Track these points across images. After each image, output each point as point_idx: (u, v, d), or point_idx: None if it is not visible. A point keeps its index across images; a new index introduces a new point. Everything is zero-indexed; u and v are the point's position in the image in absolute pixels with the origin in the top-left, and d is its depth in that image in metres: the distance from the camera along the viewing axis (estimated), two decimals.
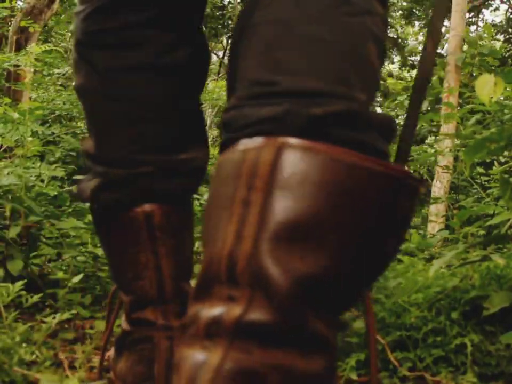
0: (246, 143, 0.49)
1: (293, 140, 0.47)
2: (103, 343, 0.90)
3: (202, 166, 0.84)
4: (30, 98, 5.33)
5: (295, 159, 0.47)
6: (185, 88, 0.81)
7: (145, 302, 0.80)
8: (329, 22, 0.54)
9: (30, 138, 1.94)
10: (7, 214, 1.59)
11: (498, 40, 10.87)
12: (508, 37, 11.14)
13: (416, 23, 13.67)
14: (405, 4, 13.40)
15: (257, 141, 0.48)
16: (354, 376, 1.01)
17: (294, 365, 0.44)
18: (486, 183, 3.70)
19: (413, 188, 0.50)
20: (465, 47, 4.62)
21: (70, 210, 1.91)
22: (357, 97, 0.52)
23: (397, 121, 7.23)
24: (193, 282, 0.87)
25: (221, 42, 11.38)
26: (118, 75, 0.78)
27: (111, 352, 0.90)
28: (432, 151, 4.17)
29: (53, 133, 3.82)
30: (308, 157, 0.47)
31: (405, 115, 0.68)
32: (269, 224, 0.46)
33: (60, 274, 1.37)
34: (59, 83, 6.24)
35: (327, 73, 0.53)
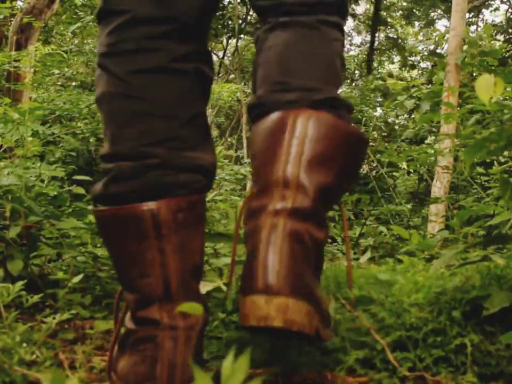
0: (278, 113, 0.88)
1: (307, 110, 0.87)
2: (111, 343, 0.90)
3: (210, 167, 0.91)
4: (30, 98, 5.33)
5: (309, 121, 0.86)
6: (193, 94, 0.92)
7: (151, 300, 0.82)
8: (316, 44, 0.95)
9: (30, 139, 1.94)
10: (7, 214, 1.59)
11: (498, 40, 10.87)
12: (508, 37, 11.14)
13: (416, 23, 13.67)
14: (405, 4, 13.39)
15: (286, 111, 0.88)
16: (353, 374, 1.01)
17: (315, 232, 0.84)
18: (486, 183, 3.70)
19: (366, 139, 0.94)
20: (465, 47, 4.62)
21: (70, 210, 1.91)
22: (334, 90, 0.94)
23: (397, 121, 7.22)
24: (202, 284, 0.95)
25: (221, 42, 11.38)
26: (134, 77, 0.87)
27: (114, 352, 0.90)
28: (432, 151, 4.17)
29: (53, 133, 3.82)
30: (317, 120, 0.87)
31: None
32: (304, 156, 0.84)
33: (60, 275, 1.37)
34: (59, 83, 6.24)
35: (318, 77, 0.93)
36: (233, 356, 0.52)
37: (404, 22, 13.85)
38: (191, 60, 0.91)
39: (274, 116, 0.88)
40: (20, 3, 6.80)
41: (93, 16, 6.39)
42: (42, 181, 2.04)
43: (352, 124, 0.94)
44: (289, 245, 0.79)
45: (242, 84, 11.27)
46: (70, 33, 7.34)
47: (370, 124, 5.98)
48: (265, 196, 0.84)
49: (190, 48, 0.91)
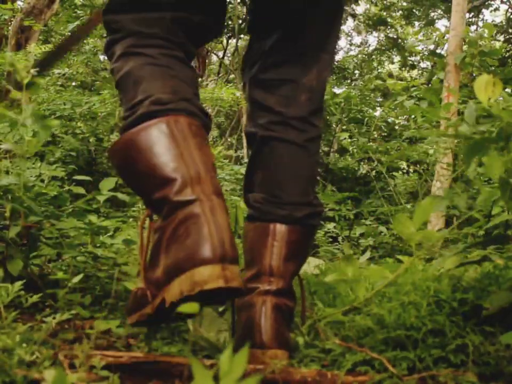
0: (266, 224, 1.27)
1: (286, 226, 1.26)
2: (142, 257, 1.05)
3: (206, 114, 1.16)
4: (30, 98, 5.33)
5: (286, 232, 1.26)
6: (193, 73, 1.21)
7: (185, 185, 1.00)
8: (303, 164, 1.30)
9: (31, 139, 1.94)
10: (7, 214, 1.59)
11: (498, 41, 10.87)
12: (508, 37, 11.14)
13: (416, 23, 13.66)
14: (405, 4, 13.39)
15: (270, 223, 1.28)
16: (353, 374, 1.02)
17: (289, 303, 1.20)
18: (485, 183, 3.70)
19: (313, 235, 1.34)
20: (465, 47, 4.62)
21: (70, 210, 1.91)
22: (311, 197, 1.29)
23: (397, 121, 7.22)
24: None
25: (221, 42, 11.36)
26: (162, 56, 1.14)
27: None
28: (432, 151, 4.17)
29: (53, 134, 3.82)
30: (291, 231, 1.26)
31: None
32: (282, 254, 1.25)
33: (60, 275, 1.37)
34: (59, 83, 6.24)
35: (302, 193, 1.27)
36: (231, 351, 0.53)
37: (404, 22, 13.85)
38: (192, 56, 1.24)
39: (262, 225, 1.25)
40: (20, 3, 6.79)
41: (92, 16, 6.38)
42: (42, 181, 2.04)
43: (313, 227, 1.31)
44: (274, 314, 1.15)
45: (242, 84, 11.24)
46: (68, 33, 7.34)
47: (370, 123, 5.99)
48: (258, 280, 1.20)
49: (192, 50, 1.22)
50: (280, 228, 1.23)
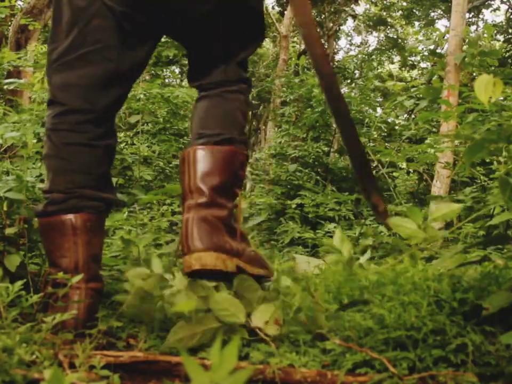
0: (186, 150, 1.54)
1: (201, 147, 1.52)
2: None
3: (108, 201, 1.48)
4: (30, 98, 5.33)
5: (201, 152, 1.50)
6: (102, 160, 1.49)
7: (66, 272, 1.34)
8: (219, 106, 1.59)
9: (34, 141, 1.94)
10: (5, 209, 1.60)
11: (498, 41, 10.87)
12: (508, 37, 11.14)
13: (416, 23, 13.67)
14: (405, 4, 13.39)
15: (190, 149, 1.54)
16: (353, 374, 1.02)
17: (217, 213, 1.45)
18: (485, 183, 3.69)
19: (245, 155, 1.57)
20: (465, 47, 4.62)
21: None
22: (232, 132, 1.55)
23: (397, 121, 7.22)
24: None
25: None
26: (65, 147, 1.44)
27: None
28: (432, 151, 4.17)
29: None
30: (207, 150, 1.49)
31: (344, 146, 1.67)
32: (199, 172, 1.48)
33: (60, 274, 1.37)
34: None
35: (220, 126, 1.55)
36: (221, 343, 0.52)
37: (404, 22, 13.85)
38: (103, 138, 1.47)
39: (184, 152, 1.53)
40: (20, 3, 6.79)
41: None
42: (42, 181, 2.04)
43: (238, 148, 1.55)
44: (198, 223, 1.39)
45: None
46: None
47: (370, 123, 5.98)
48: (184, 199, 1.47)
49: (103, 130, 1.47)
50: (192, 153, 1.50)
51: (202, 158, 1.47)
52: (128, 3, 1.42)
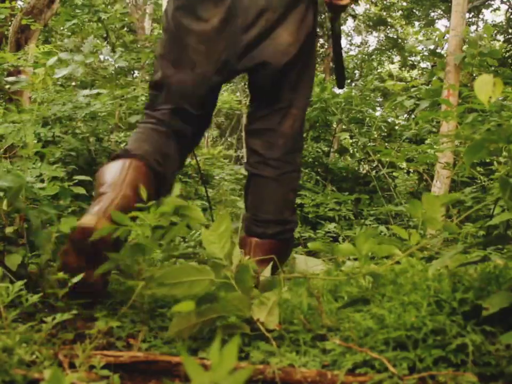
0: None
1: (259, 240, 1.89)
2: None
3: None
4: (30, 98, 5.33)
5: (257, 247, 1.89)
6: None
7: None
8: (276, 191, 1.90)
9: (34, 141, 1.94)
10: (5, 208, 1.60)
11: (498, 41, 10.87)
12: (508, 37, 11.14)
13: (416, 23, 13.67)
14: (405, 4, 13.39)
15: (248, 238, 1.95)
16: (353, 374, 1.02)
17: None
18: (485, 183, 3.70)
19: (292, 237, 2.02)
20: (465, 47, 4.62)
21: (70, 210, 1.90)
22: (286, 215, 1.89)
23: (397, 121, 7.22)
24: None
25: None
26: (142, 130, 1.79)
27: None
28: (432, 151, 4.17)
29: (53, 134, 3.82)
30: (261, 245, 1.87)
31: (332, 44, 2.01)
32: None
33: (60, 274, 1.37)
34: (59, 83, 6.24)
35: (275, 211, 1.87)
36: (220, 342, 0.51)
37: (404, 22, 13.85)
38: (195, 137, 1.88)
39: (245, 238, 1.89)
40: (20, 3, 6.79)
41: (90, 15, 6.38)
42: (42, 181, 2.04)
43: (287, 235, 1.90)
44: None
45: (243, 83, 11.26)
46: (68, 32, 7.32)
47: (370, 124, 5.98)
48: None
49: (196, 130, 1.86)
50: (254, 241, 1.83)
51: (261, 250, 1.80)
52: (232, 57, 1.75)
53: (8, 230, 1.57)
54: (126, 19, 6.49)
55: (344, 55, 2.08)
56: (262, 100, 1.90)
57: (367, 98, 6.42)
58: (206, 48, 1.72)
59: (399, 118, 7.50)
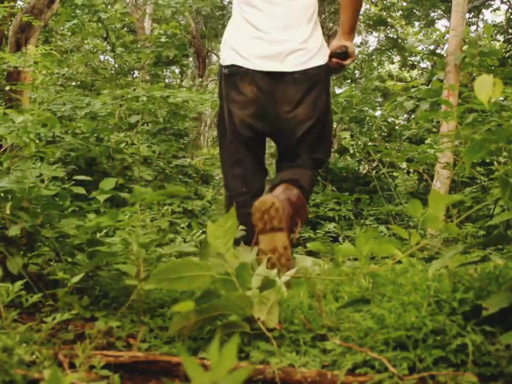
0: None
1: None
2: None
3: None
4: (30, 98, 5.33)
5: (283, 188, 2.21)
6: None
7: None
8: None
9: (36, 141, 1.94)
10: (7, 212, 1.59)
11: (498, 41, 10.86)
12: (508, 37, 11.13)
13: (416, 23, 13.66)
14: (405, 4, 13.38)
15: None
16: (353, 374, 1.02)
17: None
18: (485, 183, 3.70)
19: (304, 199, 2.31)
20: (465, 47, 4.61)
21: (70, 210, 1.90)
22: (303, 182, 2.27)
23: (397, 121, 7.22)
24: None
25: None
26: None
27: None
28: (432, 151, 4.17)
29: (53, 134, 3.81)
30: (287, 187, 2.19)
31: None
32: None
33: (60, 274, 1.37)
34: (59, 83, 6.24)
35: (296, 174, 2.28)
36: (219, 342, 0.51)
37: (404, 22, 13.84)
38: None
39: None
40: (20, 3, 6.79)
41: (90, 15, 6.38)
42: (42, 181, 2.03)
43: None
44: None
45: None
46: (68, 32, 7.32)
47: (370, 124, 5.98)
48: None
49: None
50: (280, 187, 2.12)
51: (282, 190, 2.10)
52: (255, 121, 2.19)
53: (11, 232, 1.56)
54: (126, 19, 6.48)
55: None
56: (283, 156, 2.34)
57: (368, 98, 6.41)
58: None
59: (399, 118, 7.50)
